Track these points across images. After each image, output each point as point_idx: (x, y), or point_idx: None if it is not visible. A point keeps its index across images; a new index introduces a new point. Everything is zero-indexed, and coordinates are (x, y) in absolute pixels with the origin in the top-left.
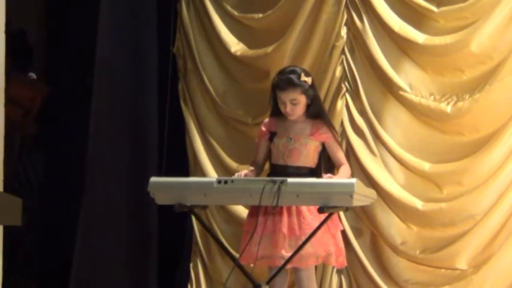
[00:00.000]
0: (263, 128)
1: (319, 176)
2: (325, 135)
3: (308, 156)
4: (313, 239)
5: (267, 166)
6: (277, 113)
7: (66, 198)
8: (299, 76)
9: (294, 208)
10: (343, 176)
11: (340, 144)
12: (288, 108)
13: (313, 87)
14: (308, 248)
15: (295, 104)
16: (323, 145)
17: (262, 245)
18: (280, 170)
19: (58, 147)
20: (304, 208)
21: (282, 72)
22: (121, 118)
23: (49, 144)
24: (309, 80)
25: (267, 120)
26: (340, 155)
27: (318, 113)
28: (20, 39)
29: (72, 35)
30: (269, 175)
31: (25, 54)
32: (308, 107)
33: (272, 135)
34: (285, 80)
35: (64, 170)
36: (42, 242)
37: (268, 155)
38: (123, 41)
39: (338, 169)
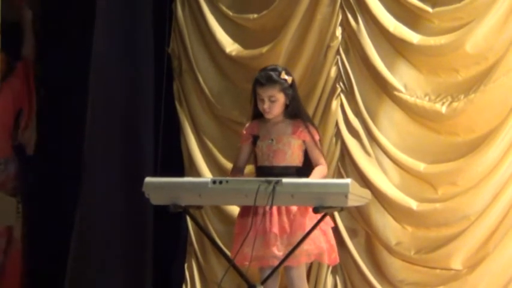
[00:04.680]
0: (245, 133)
1: (306, 174)
2: (304, 134)
3: (293, 155)
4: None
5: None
6: (258, 115)
7: (61, 198)
8: (279, 74)
9: (283, 207)
10: (314, 177)
11: (318, 144)
12: (266, 105)
13: (293, 87)
14: (301, 246)
15: (273, 102)
16: None
17: (254, 246)
18: (267, 172)
19: (54, 147)
20: (293, 207)
21: (263, 69)
22: (117, 118)
23: (45, 143)
24: (289, 79)
25: (248, 124)
26: (317, 155)
27: (296, 113)
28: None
29: (68, 34)
30: (256, 177)
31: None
32: (286, 107)
33: (255, 139)
34: (265, 76)
35: (60, 171)
36: (38, 242)
37: (250, 159)
38: (119, 41)
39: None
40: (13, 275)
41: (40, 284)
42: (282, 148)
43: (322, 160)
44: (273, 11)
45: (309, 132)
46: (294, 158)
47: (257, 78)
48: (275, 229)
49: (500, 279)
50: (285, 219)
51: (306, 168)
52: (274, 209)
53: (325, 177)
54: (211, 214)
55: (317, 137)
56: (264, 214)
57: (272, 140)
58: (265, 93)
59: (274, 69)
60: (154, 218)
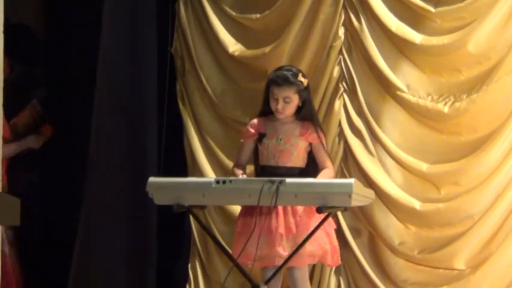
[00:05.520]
0: (251, 129)
1: (309, 175)
2: (313, 136)
3: (299, 156)
4: (310, 238)
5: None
6: (266, 112)
7: (65, 198)
8: (296, 75)
9: (289, 207)
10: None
11: (326, 148)
12: (280, 105)
13: (308, 90)
14: (306, 247)
15: (288, 103)
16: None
17: (259, 246)
18: (271, 171)
19: (58, 147)
20: (299, 207)
21: (279, 68)
22: (120, 118)
23: (49, 143)
24: (305, 81)
25: (255, 120)
26: (324, 158)
27: (307, 116)
28: (25, 35)
29: (73, 35)
30: (258, 176)
31: (30, 51)
32: (298, 108)
33: (261, 137)
34: (282, 77)
35: (64, 170)
36: (42, 242)
37: (252, 156)
38: (122, 41)
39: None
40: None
41: (44, 284)
42: (289, 148)
43: (328, 163)
44: (276, 11)
45: (318, 135)
46: (299, 160)
47: (273, 78)
48: (281, 229)
49: (503, 279)
50: (291, 219)
51: (309, 169)
52: (280, 208)
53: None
54: (215, 214)
55: (324, 140)
56: (269, 213)
57: (281, 139)
58: (281, 93)
59: (291, 70)
60: (158, 218)
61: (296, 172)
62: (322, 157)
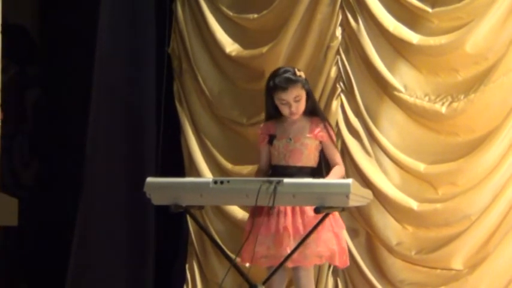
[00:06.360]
0: (262, 134)
1: (321, 174)
2: (322, 134)
3: (310, 155)
4: (317, 239)
5: None
6: (272, 116)
7: (63, 198)
8: (294, 73)
9: (297, 207)
10: (333, 177)
11: (336, 144)
12: (293, 107)
13: (307, 81)
14: (313, 247)
15: (299, 101)
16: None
17: (266, 245)
18: (282, 171)
19: (56, 147)
20: (307, 207)
21: (275, 74)
22: (118, 119)
23: (47, 144)
24: (302, 74)
25: (262, 125)
26: (333, 154)
27: (313, 109)
28: (20, 35)
29: (70, 35)
30: (270, 176)
31: (26, 51)
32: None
33: (271, 138)
34: (284, 80)
35: (61, 171)
36: (39, 242)
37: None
38: (120, 42)
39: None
40: None
41: (42, 284)
42: (299, 148)
43: (339, 160)
44: (273, 11)
45: (327, 132)
46: (310, 159)
47: (276, 84)
48: (289, 228)
49: (501, 279)
50: (299, 219)
51: (321, 168)
52: (289, 209)
53: (343, 177)
54: (212, 214)
55: (334, 137)
56: (278, 213)
57: (290, 139)
58: (290, 95)
59: (287, 70)
60: (156, 218)
61: (307, 171)
62: (332, 154)
